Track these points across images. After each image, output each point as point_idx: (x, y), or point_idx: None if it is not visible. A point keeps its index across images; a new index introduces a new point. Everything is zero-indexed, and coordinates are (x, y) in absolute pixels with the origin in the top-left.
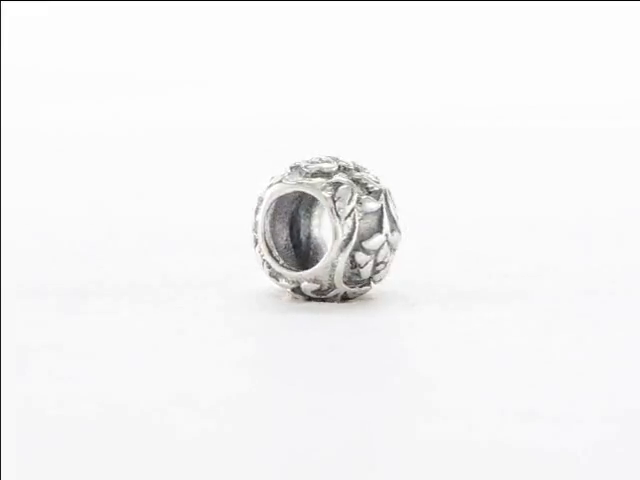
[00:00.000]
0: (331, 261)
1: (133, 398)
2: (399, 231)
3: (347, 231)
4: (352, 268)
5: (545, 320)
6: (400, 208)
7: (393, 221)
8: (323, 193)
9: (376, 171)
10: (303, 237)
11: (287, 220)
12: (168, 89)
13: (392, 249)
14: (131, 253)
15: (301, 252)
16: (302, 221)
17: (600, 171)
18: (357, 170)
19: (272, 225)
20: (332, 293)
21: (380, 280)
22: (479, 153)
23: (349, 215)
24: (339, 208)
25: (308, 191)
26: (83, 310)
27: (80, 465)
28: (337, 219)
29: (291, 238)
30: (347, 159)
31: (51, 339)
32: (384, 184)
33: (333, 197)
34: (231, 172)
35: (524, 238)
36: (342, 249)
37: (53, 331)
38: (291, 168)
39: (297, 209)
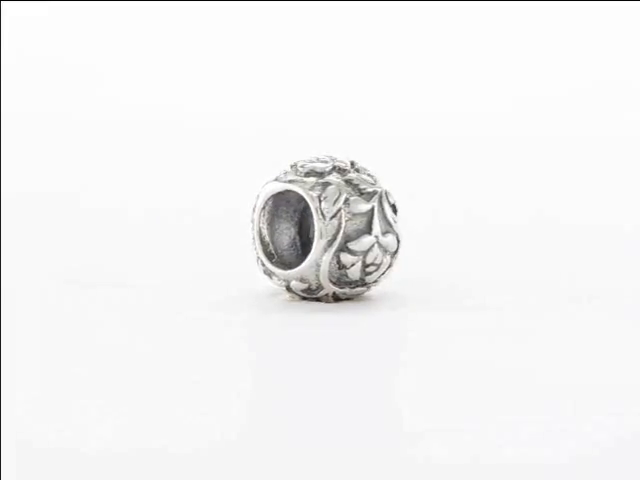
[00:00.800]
0: (315, 261)
1: (130, 394)
2: (395, 234)
3: (332, 231)
4: (339, 269)
5: (543, 324)
6: (403, 209)
7: (387, 223)
8: (310, 192)
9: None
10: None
11: (296, 218)
12: (168, 90)
13: (386, 251)
14: (131, 251)
15: (309, 251)
16: (311, 219)
17: (602, 176)
18: (357, 171)
19: (271, 223)
20: (321, 293)
21: (375, 282)
22: (483, 155)
23: (335, 215)
24: (324, 208)
25: (297, 190)
26: (77, 307)
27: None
28: (322, 219)
29: (300, 237)
30: (346, 159)
31: (44, 333)
32: (382, 186)
33: (320, 197)
34: (240, 170)
35: (525, 240)
36: (326, 249)
37: (48, 325)
38: (290, 167)
39: (305, 208)
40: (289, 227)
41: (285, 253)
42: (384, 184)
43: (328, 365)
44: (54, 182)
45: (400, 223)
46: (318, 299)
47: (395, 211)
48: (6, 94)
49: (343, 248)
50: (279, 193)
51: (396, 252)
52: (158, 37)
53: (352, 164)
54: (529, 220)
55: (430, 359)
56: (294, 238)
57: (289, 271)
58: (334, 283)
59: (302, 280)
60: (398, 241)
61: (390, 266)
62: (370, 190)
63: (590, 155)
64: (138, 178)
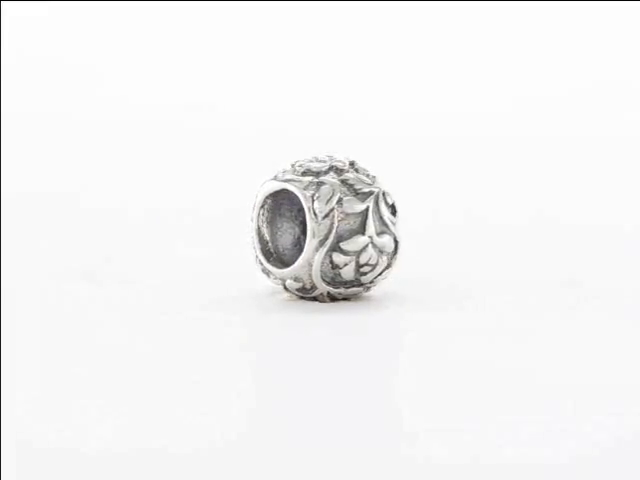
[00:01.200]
0: (307, 260)
1: (130, 394)
2: (392, 235)
3: (324, 231)
4: (333, 269)
5: (543, 324)
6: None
7: (384, 224)
8: (304, 192)
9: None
10: None
11: (300, 218)
12: (168, 90)
13: (382, 252)
14: (131, 251)
15: None
16: None
17: (602, 176)
18: (355, 171)
19: (272, 222)
20: (316, 292)
21: (372, 282)
22: (484, 156)
23: (327, 215)
24: (317, 207)
25: (292, 189)
26: (77, 307)
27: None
28: (314, 218)
29: (304, 236)
30: (345, 159)
31: (44, 333)
32: (380, 186)
33: (313, 196)
34: (240, 170)
35: (525, 240)
36: (317, 249)
37: (48, 325)
38: (291, 166)
39: None
40: (293, 226)
41: (287, 252)
42: (383, 184)
43: (328, 365)
44: (54, 182)
45: (400, 224)
46: (315, 298)
47: (394, 212)
48: (6, 94)
49: (335, 248)
50: (281, 192)
51: (394, 253)
52: (158, 37)
53: (352, 164)
54: (529, 220)
55: (430, 359)
56: (298, 237)
57: (284, 270)
58: (328, 283)
59: (296, 279)
60: (396, 242)
61: (388, 267)
62: (366, 190)
63: (590, 155)
64: (138, 178)
